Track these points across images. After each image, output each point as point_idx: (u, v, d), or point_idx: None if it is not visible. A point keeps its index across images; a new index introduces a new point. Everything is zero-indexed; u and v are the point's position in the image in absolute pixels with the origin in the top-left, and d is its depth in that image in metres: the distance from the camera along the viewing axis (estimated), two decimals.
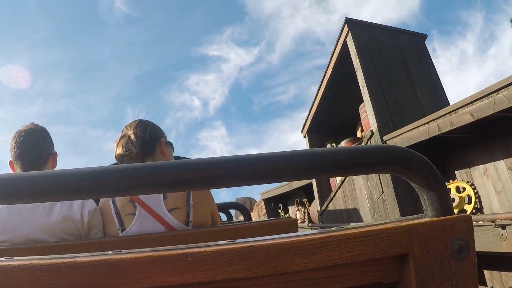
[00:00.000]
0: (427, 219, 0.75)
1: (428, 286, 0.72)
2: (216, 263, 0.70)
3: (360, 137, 6.02)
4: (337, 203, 6.16)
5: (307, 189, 7.91)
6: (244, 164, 0.73)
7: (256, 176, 0.74)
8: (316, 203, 7.12)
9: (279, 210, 8.91)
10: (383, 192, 4.73)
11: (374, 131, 4.95)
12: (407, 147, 4.17)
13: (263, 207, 9.88)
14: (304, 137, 7.67)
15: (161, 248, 0.74)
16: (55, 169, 1.80)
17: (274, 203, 9.27)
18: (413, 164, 0.73)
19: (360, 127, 6.22)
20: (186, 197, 1.74)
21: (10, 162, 1.91)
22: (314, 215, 7.27)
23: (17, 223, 1.65)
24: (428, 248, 0.72)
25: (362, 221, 5.27)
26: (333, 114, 7.02)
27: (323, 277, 0.73)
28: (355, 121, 6.38)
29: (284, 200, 9.04)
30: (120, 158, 1.87)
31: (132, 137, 1.85)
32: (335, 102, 6.74)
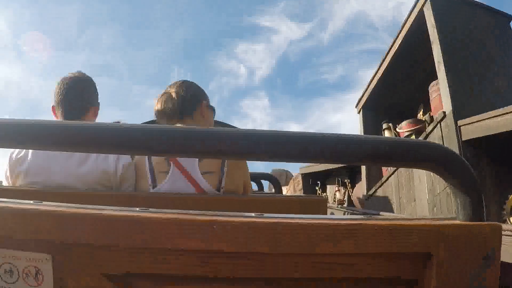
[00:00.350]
0: (457, 222, 0.78)
1: None
2: (241, 235, 0.75)
3: (422, 119, 5.83)
4: (388, 190, 6.00)
5: (352, 169, 7.81)
6: (282, 141, 0.78)
7: (294, 154, 0.79)
8: (362, 186, 7.01)
9: (317, 188, 8.79)
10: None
11: (447, 114, 4.69)
12: (485, 136, 4.01)
13: (300, 181, 9.85)
14: (358, 112, 7.55)
15: (189, 212, 0.80)
16: (94, 121, 1.96)
17: (312, 180, 9.16)
18: (452, 166, 0.76)
19: (422, 109, 6.05)
20: (222, 162, 1.83)
21: (53, 108, 2.03)
22: (356, 199, 7.24)
23: (52, 168, 1.80)
24: (453, 251, 0.75)
25: (416, 214, 5.12)
26: (393, 92, 6.84)
27: (345, 263, 0.78)
28: (416, 102, 6.20)
29: (323, 177, 8.90)
30: (158, 114, 1.98)
31: (173, 95, 1.96)
32: (397, 79, 6.52)
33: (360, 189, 7.08)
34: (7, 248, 0.77)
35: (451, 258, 0.76)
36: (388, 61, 6.32)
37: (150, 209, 0.81)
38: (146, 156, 1.85)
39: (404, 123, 5.93)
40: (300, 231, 0.76)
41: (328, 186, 8.91)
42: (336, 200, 7.69)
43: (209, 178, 1.80)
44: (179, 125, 1.89)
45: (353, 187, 7.65)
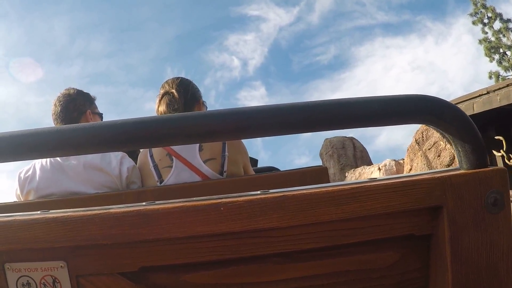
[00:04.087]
0: (461, 171, 0.77)
1: (462, 239, 0.75)
2: (249, 213, 0.75)
3: None
4: None
5: None
6: (276, 114, 0.77)
7: (289, 126, 0.78)
8: None
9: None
10: None
11: None
12: None
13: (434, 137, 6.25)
14: None
15: (194, 198, 0.80)
16: None
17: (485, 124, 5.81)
18: (448, 115, 0.75)
19: None
20: (222, 148, 1.89)
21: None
22: None
23: (60, 177, 1.87)
24: (462, 200, 0.74)
25: None
26: None
27: (355, 227, 0.78)
28: None
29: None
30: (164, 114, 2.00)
31: (176, 94, 1.99)
32: None
33: None
34: (21, 261, 0.76)
35: (461, 207, 0.74)
36: None
37: (156, 201, 0.80)
38: (149, 155, 1.92)
39: None
40: (306, 201, 0.75)
41: None
42: None
43: (211, 165, 1.85)
44: None
45: None
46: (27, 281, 0.76)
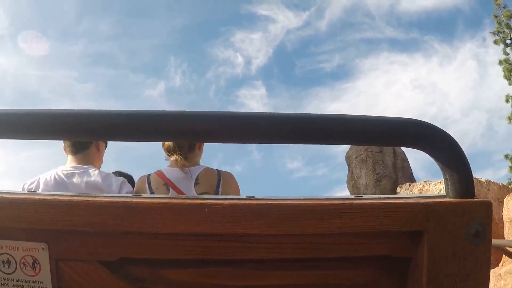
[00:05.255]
0: (447, 199, 0.76)
1: (440, 266, 0.74)
2: (232, 217, 0.75)
3: None
4: None
5: None
6: (267, 123, 0.77)
7: (283, 136, 0.78)
8: None
9: None
10: None
11: None
12: None
13: None
14: None
15: (180, 196, 0.81)
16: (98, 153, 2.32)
17: None
18: (439, 143, 0.74)
19: None
20: (216, 184, 2.06)
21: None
22: None
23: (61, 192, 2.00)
24: (444, 228, 0.74)
25: None
26: None
27: (335, 243, 0.77)
28: None
29: None
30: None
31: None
32: None
33: None
34: (3, 238, 0.77)
35: (442, 235, 0.74)
36: None
37: (142, 195, 0.80)
38: (146, 183, 2.08)
39: None
40: (290, 211, 0.75)
41: None
42: None
43: None
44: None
45: None
46: (8, 259, 0.77)
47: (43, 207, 0.76)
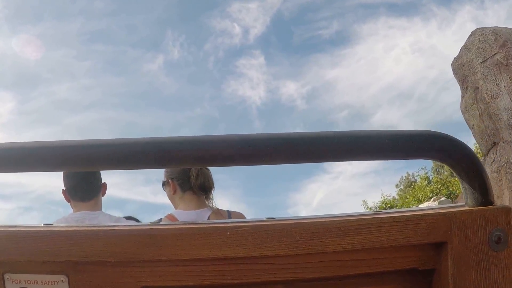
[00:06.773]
0: (467, 207, 0.78)
1: (465, 275, 0.75)
2: (255, 239, 0.74)
3: None
4: None
5: None
6: (282, 143, 0.78)
7: (293, 156, 0.78)
8: None
9: None
10: None
11: None
12: None
13: None
14: None
15: (200, 222, 0.80)
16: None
17: None
18: (456, 153, 0.76)
19: None
20: (227, 218, 2.10)
21: (63, 191, 2.33)
22: None
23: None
24: (466, 237, 0.75)
25: None
26: None
27: (359, 259, 0.77)
28: None
29: None
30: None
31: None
32: None
33: None
34: (22, 272, 0.75)
35: (465, 244, 0.75)
36: None
37: (161, 222, 0.79)
38: None
39: None
40: (311, 231, 0.75)
41: None
42: None
43: None
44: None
45: None
46: None
47: (61, 238, 0.74)
